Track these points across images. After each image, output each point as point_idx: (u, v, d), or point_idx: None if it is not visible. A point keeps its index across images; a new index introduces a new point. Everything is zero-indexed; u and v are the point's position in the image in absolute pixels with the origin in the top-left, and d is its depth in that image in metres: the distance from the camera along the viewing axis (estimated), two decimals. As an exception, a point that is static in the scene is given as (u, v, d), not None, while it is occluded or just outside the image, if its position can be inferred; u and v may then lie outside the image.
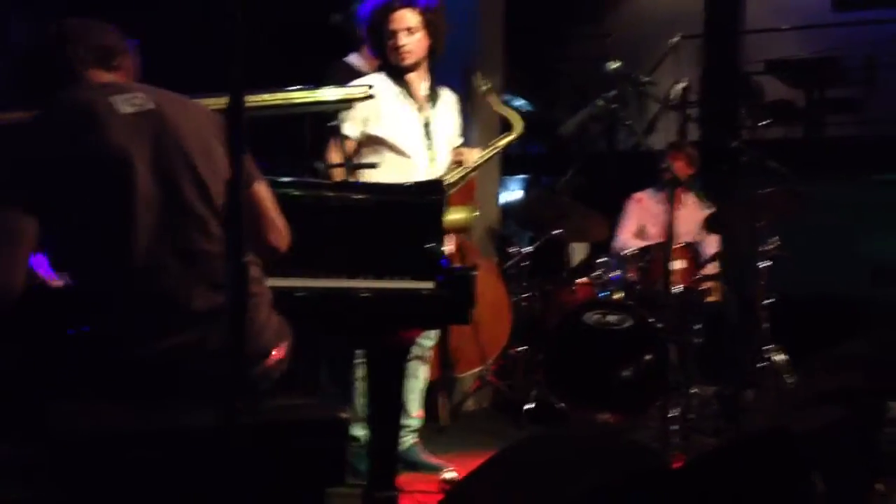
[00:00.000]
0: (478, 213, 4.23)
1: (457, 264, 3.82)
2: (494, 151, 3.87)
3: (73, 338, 2.13)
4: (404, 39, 3.52)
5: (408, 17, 3.51)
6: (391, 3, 3.51)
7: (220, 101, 2.41)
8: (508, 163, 7.10)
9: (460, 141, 3.90)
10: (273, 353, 2.15)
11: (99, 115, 2.06)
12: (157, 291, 2.03)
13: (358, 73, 3.77)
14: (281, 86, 3.03)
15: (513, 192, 8.98)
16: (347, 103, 3.23)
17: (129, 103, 2.10)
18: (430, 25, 3.54)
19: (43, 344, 2.23)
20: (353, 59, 4.02)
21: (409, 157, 3.57)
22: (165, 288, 2.03)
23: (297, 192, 2.66)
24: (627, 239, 5.39)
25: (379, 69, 3.66)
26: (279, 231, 2.30)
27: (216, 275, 2.04)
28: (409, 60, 3.55)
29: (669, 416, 3.98)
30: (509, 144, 3.91)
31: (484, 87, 3.91)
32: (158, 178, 2.06)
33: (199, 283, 2.05)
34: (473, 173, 3.85)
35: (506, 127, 3.95)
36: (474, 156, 3.77)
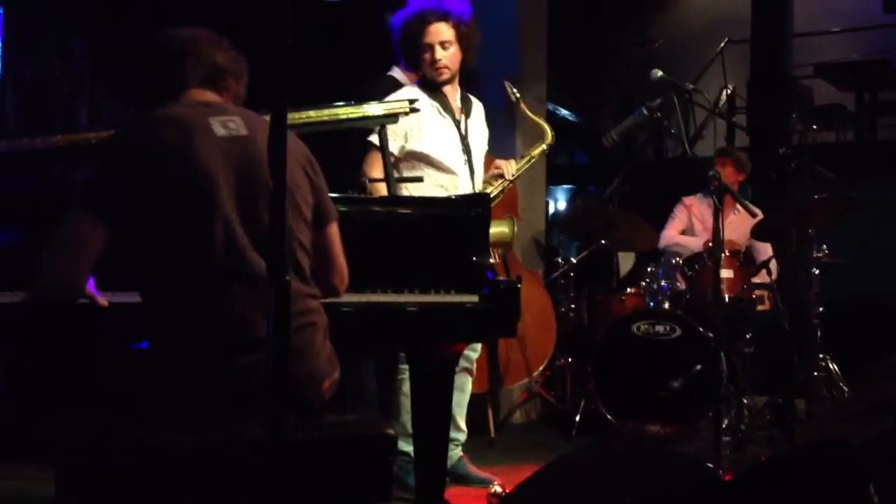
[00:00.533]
0: (517, 223, 4.21)
1: (501, 277, 3.82)
2: (530, 162, 3.87)
3: (133, 352, 2.17)
4: (440, 54, 3.50)
5: (443, 31, 3.49)
6: (426, 17, 3.49)
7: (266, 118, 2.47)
8: (554, 172, 7.10)
9: (485, 149, 3.89)
10: (327, 380, 2.16)
11: (195, 135, 2.08)
12: (223, 315, 2.04)
13: (401, 87, 3.78)
14: (326, 101, 3.06)
15: (559, 202, 8.95)
16: (392, 118, 3.23)
17: (224, 126, 2.11)
18: (463, 39, 3.52)
19: (97, 357, 2.27)
20: (396, 73, 4.04)
21: (450, 172, 3.57)
22: (232, 312, 2.04)
23: (342, 207, 2.66)
24: (673, 235, 5.34)
25: (417, 84, 3.66)
26: (342, 275, 2.33)
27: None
28: (445, 76, 3.55)
29: (721, 427, 3.92)
30: (542, 153, 3.92)
31: (515, 97, 3.92)
32: (239, 206, 2.07)
33: (263, 311, 2.05)
34: (512, 184, 3.85)
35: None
36: (512, 168, 3.76)
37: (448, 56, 3.52)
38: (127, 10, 4.76)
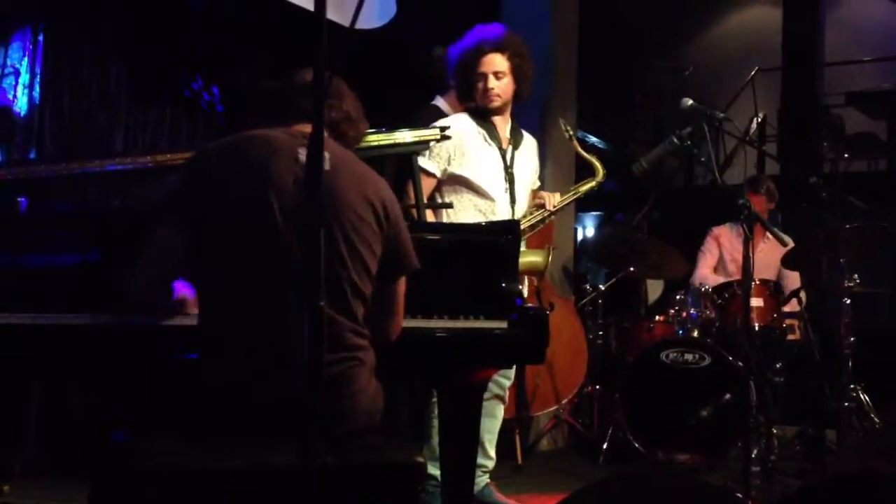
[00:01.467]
0: (552, 253, 4.20)
1: (533, 304, 3.82)
2: (575, 196, 3.89)
3: (179, 362, 2.20)
4: (493, 83, 3.57)
5: (497, 61, 3.56)
6: (482, 47, 3.56)
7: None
8: (583, 199, 7.09)
9: (538, 184, 3.92)
10: (366, 419, 2.17)
11: (276, 155, 2.11)
12: (272, 344, 2.06)
13: (443, 116, 3.83)
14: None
15: (588, 229, 8.95)
16: (423, 145, 3.27)
17: None
18: (517, 70, 3.59)
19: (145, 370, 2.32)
20: (440, 103, 4.08)
21: (490, 198, 3.60)
22: (281, 343, 2.04)
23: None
24: (707, 274, 5.33)
25: (465, 111, 3.70)
26: (399, 326, 2.37)
27: (332, 339, 2.07)
28: (496, 103, 3.60)
29: (750, 457, 3.89)
30: (590, 190, 3.92)
31: (568, 133, 3.92)
32: (298, 234, 2.07)
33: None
34: (554, 216, 3.86)
35: (581, 169, 3.97)
36: (555, 200, 3.78)
37: (501, 86, 3.58)
38: (166, 36, 4.85)
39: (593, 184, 3.88)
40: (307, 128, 2.17)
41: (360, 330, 2.18)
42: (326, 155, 2.15)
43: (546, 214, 3.76)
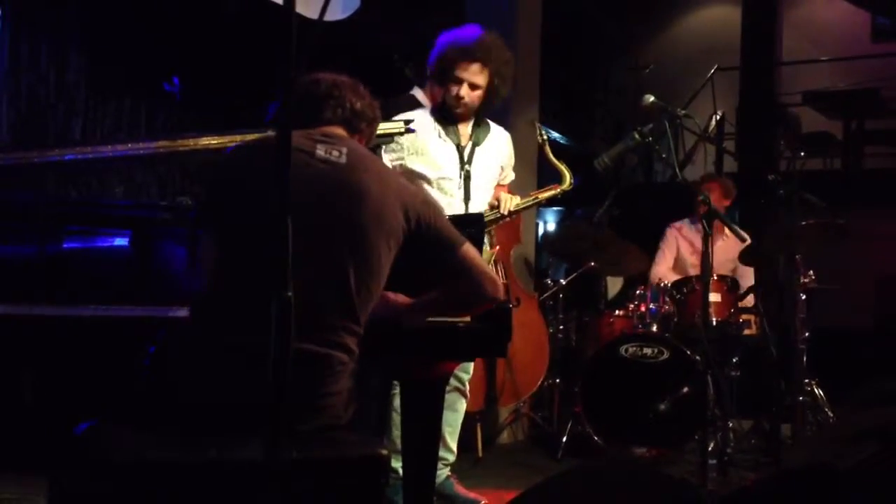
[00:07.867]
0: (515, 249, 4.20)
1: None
2: (535, 202, 3.82)
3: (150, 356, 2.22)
4: (465, 91, 3.52)
5: (479, 76, 3.51)
6: (473, 53, 3.48)
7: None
8: (544, 195, 7.13)
9: (513, 176, 3.90)
10: (334, 421, 2.18)
11: (294, 158, 2.11)
12: (252, 338, 2.01)
13: (420, 106, 3.79)
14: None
15: (548, 224, 8.99)
16: (387, 138, 3.26)
17: (327, 152, 2.21)
18: (492, 88, 3.54)
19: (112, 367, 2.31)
20: (417, 93, 4.04)
21: (444, 193, 3.59)
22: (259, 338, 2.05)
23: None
24: (664, 271, 5.38)
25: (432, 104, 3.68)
26: (494, 282, 2.39)
27: (319, 329, 2.11)
28: (459, 111, 3.58)
29: (707, 450, 3.94)
30: (553, 197, 3.81)
31: (542, 138, 3.90)
32: (308, 231, 2.05)
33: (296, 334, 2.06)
34: (507, 219, 3.77)
35: (544, 168, 3.94)
36: (511, 204, 3.70)
37: (471, 96, 3.54)
38: (125, 26, 4.79)
39: (557, 192, 3.76)
40: (332, 130, 2.33)
41: (354, 329, 2.20)
42: (345, 150, 2.23)
43: (498, 217, 3.69)
